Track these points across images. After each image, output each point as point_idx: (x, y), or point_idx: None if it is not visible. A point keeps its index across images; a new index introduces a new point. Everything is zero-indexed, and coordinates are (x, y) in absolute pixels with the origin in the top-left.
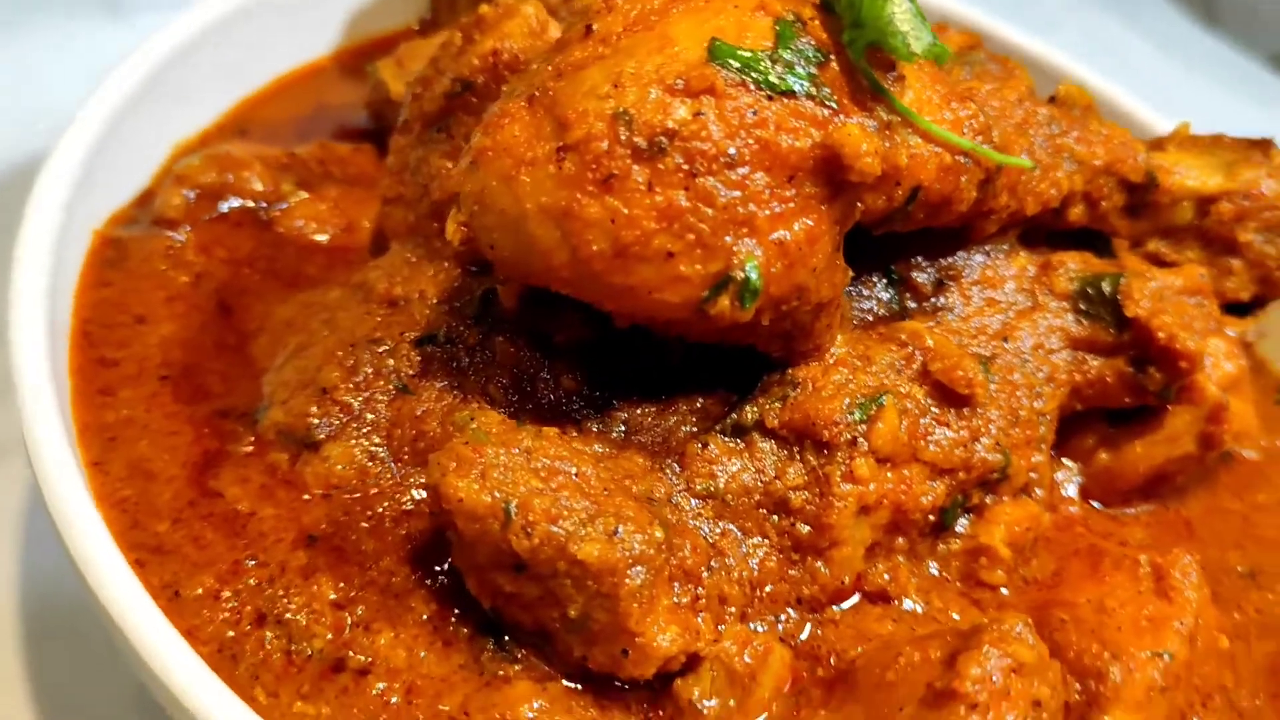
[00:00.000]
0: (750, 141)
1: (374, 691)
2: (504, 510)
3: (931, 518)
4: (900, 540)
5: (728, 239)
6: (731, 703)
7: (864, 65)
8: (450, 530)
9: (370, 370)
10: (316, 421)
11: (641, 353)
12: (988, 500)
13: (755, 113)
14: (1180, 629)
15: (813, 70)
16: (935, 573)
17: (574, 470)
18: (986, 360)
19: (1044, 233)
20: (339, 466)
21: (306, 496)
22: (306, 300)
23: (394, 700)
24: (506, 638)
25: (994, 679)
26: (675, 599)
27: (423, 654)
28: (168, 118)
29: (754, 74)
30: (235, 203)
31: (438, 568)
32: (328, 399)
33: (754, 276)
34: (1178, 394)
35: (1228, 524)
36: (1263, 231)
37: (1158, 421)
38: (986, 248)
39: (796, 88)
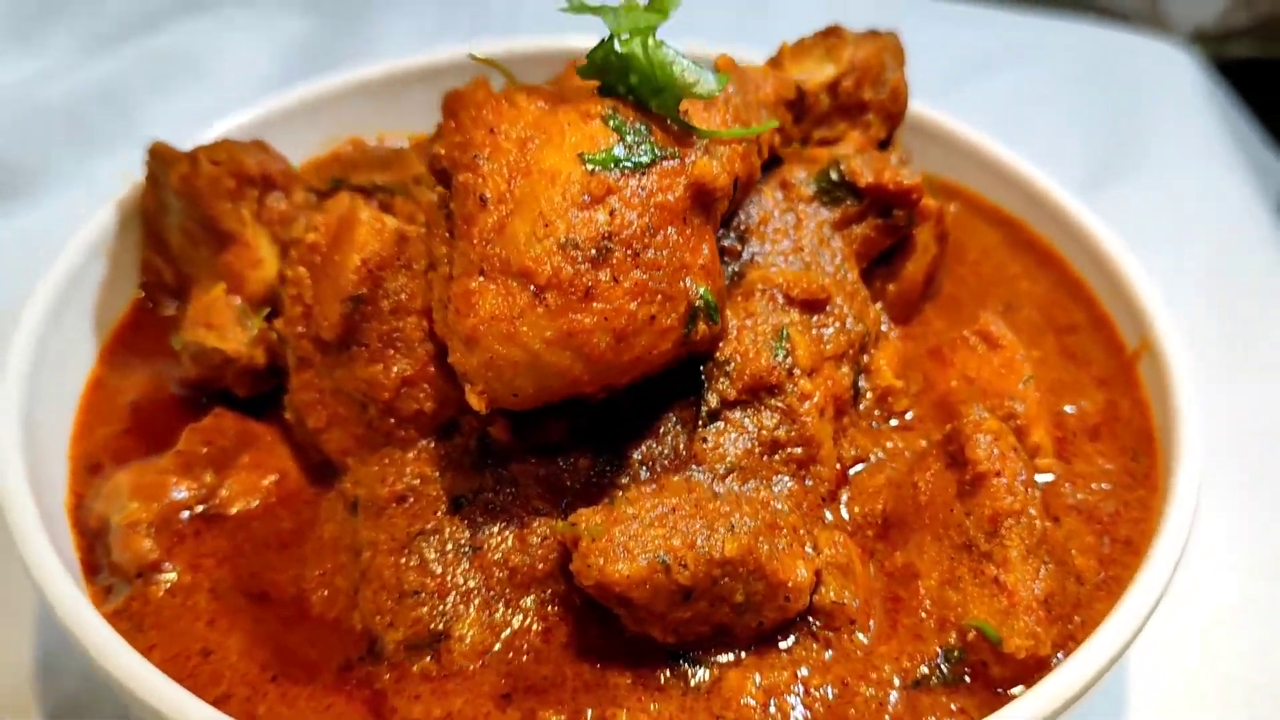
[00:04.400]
0: (654, 211)
1: None
2: (661, 563)
3: (851, 393)
4: (845, 419)
5: (679, 283)
6: (849, 591)
7: (675, 116)
8: (619, 608)
9: (434, 554)
10: (428, 620)
11: (607, 412)
12: (866, 359)
13: (644, 188)
14: (1021, 359)
15: (651, 140)
16: (875, 426)
17: (668, 507)
18: (807, 267)
19: None
20: (473, 639)
21: (472, 668)
22: (314, 549)
23: None
24: (691, 654)
25: (991, 447)
26: (780, 546)
27: (653, 706)
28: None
29: (624, 164)
30: (184, 515)
31: (604, 641)
32: (421, 598)
33: (709, 298)
34: (918, 209)
35: (969, 284)
36: (873, 86)
37: (910, 245)
38: (749, 199)
39: (651, 158)
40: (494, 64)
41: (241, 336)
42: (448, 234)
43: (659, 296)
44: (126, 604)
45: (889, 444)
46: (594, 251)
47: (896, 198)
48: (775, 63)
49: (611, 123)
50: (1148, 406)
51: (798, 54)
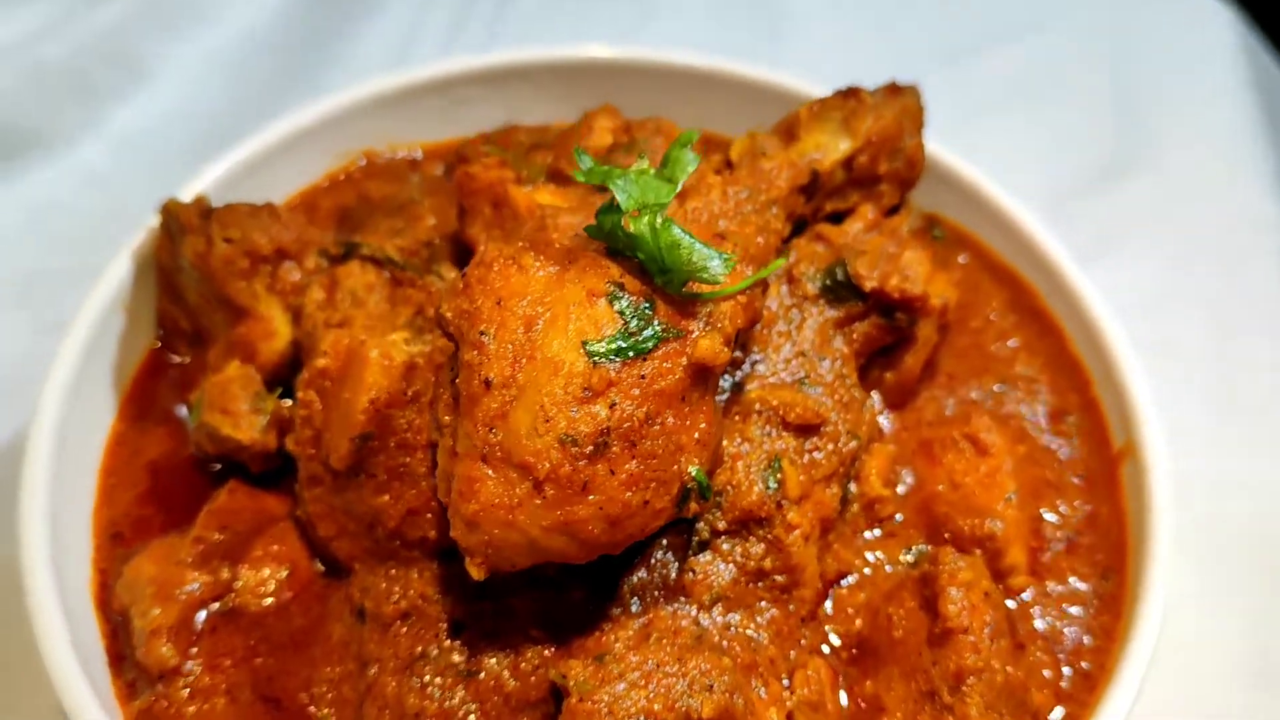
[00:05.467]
0: (653, 399)
1: None
2: None
3: (839, 509)
4: (830, 535)
5: (673, 468)
6: None
7: (683, 292)
8: None
9: (434, 680)
10: None
11: None
12: (854, 468)
13: (644, 376)
14: (1007, 470)
15: (654, 318)
16: (860, 539)
17: (655, 665)
18: (805, 378)
19: None
20: None
21: None
22: (324, 653)
23: None
24: None
25: (964, 602)
26: (757, 692)
27: None
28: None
29: (627, 352)
30: (202, 614)
31: None
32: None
33: (701, 478)
34: (922, 314)
35: (971, 360)
36: (887, 157)
37: (911, 337)
38: None
39: (654, 340)
40: (497, 149)
41: (256, 423)
42: (452, 400)
43: (653, 484)
44: (150, 705)
45: (872, 556)
46: (591, 447)
47: (901, 305)
48: (790, 130)
49: (616, 305)
50: (1125, 516)
51: (813, 122)
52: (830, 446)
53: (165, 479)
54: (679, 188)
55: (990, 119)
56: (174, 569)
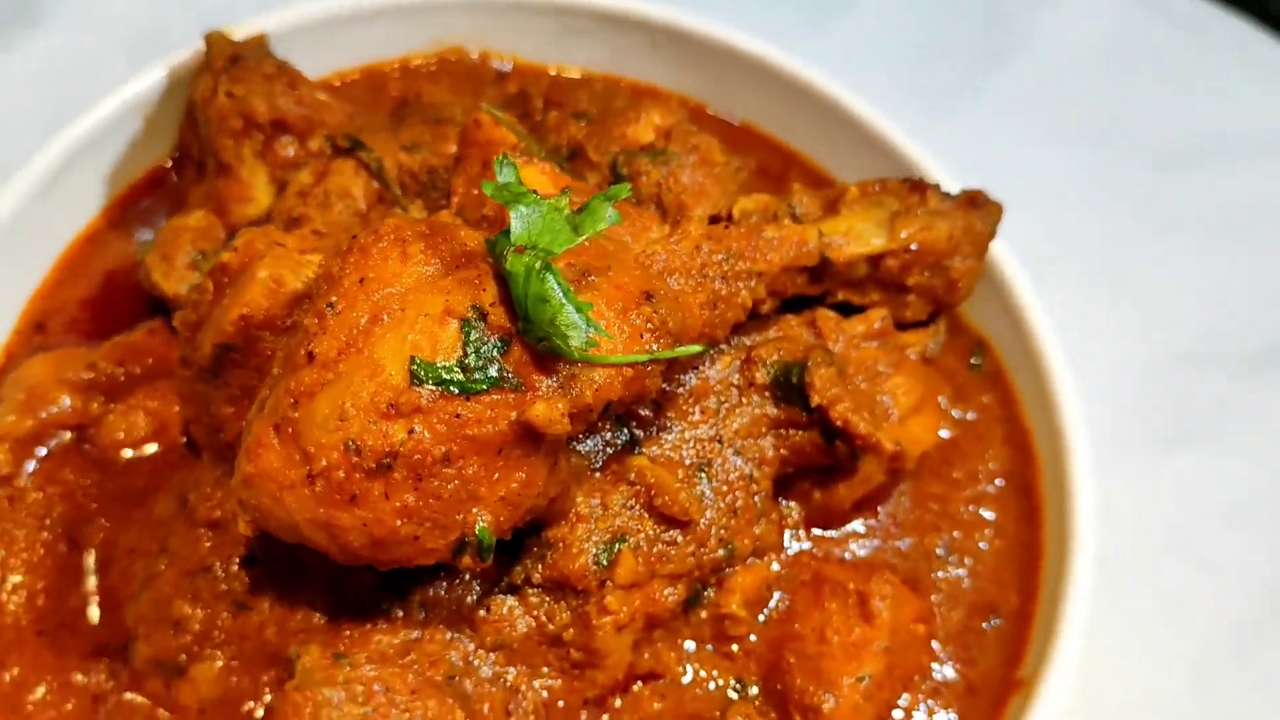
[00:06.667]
0: (459, 441)
1: None
2: None
3: (678, 610)
4: (657, 630)
5: (458, 516)
6: None
7: (542, 347)
8: None
9: (210, 596)
10: (177, 651)
11: None
12: (725, 573)
13: (458, 416)
14: (878, 648)
15: (497, 363)
16: (691, 646)
17: (385, 688)
18: (706, 466)
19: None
20: (205, 686)
21: (193, 709)
22: (143, 519)
23: None
24: None
25: None
26: None
27: None
28: None
29: (452, 384)
30: (54, 440)
31: None
32: (182, 629)
33: (485, 538)
34: (864, 452)
35: (928, 510)
36: (925, 271)
37: (851, 469)
38: (704, 361)
39: (486, 384)
40: (502, 118)
41: (187, 279)
42: (284, 357)
43: (429, 523)
44: None
45: (696, 669)
46: (373, 464)
47: (844, 436)
48: (833, 203)
49: (466, 333)
50: None
51: (859, 204)
52: (691, 548)
53: (114, 293)
54: (580, 240)
55: None
56: (55, 385)
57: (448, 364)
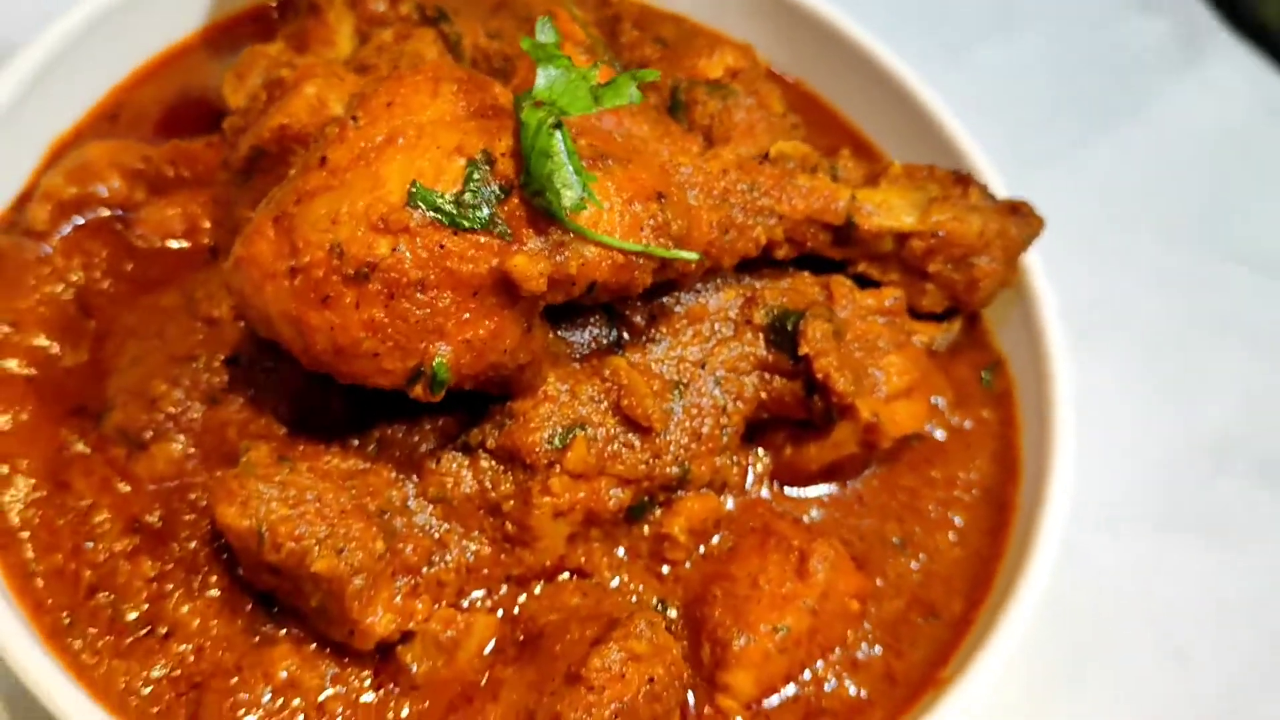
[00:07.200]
0: (437, 270)
1: (174, 651)
2: (258, 534)
3: (620, 514)
4: (595, 530)
5: (421, 344)
6: (439, 663)
7: (537, 202)
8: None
9: (188, 383)
10: (145, 426)
11: None
12: (676, 495)
13: (442, 246)
14: (804, 606)
15: (492, 208)
16: (623, 554)
17: (316, 497)
18: (682, 386)
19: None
20: (161, 464)
21: (134, 489)
22: (149, 305)
23: (190, 659)
24: (277, 609)
25: (613, 669)
26: (395, 590)
27: (213, 621)
28: (45, 114)
29: (442, 215)
30: (93, 213)
31: (227, 554)
32: (155, 407)
33: (440, 373)
34: (839, 414)
35: (896, 499)
36: (948, 263)
37: (828, 428)
38: (706, 285)
39: (476, 224)
40: (578, 16)
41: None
42: (301, 160)
43: (390, 343)
44: (4, 246)
45: (624, 579)
46: (352, 271)
47: (821, 387)
48: (874, 175)
49: (471, 171)
50: None
51: (900, 181)
52: (646, 456)
53: (189, 104)
54: (597, 109)
55: None
56: (108, 166)
57: (445, 195)
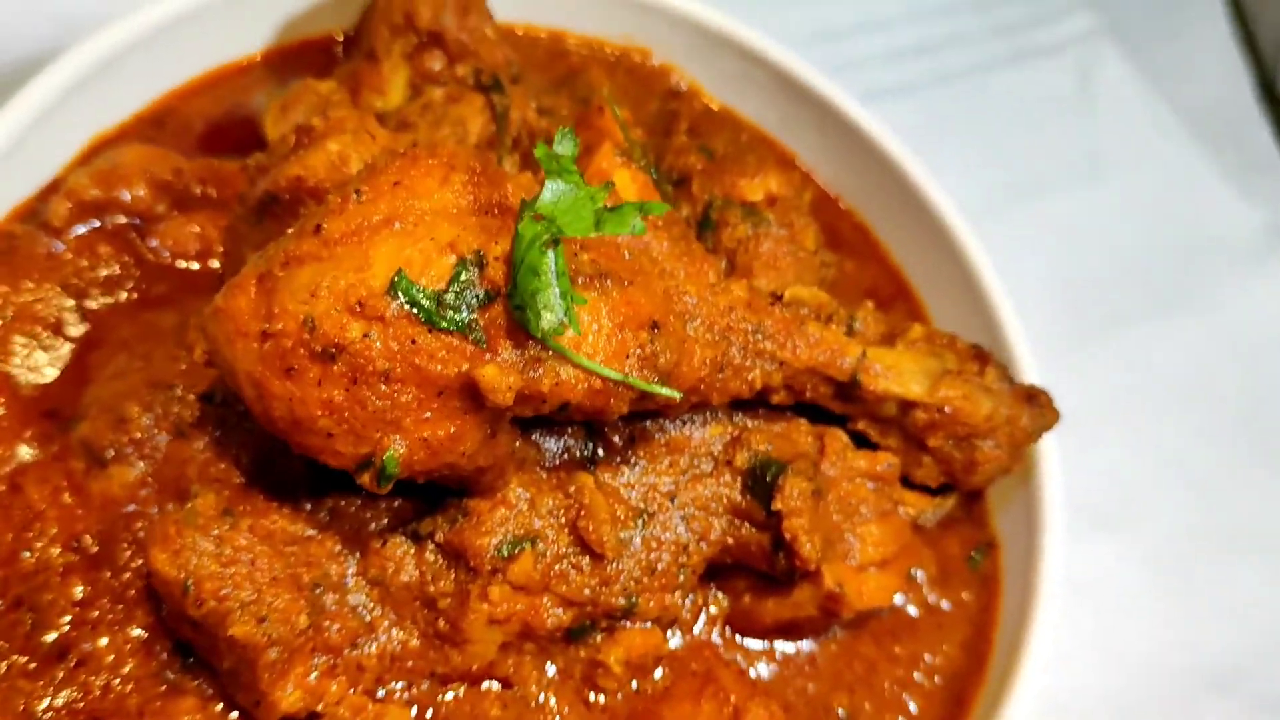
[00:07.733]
0: (404, 364)
1: (81, 681)
2: (184, 585)
3: (559, 634)
4: (530, 643)
5: (375, 434)
6: None
7: (517, 315)
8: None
9: (160, 411)
10: (110, 444)
11: None
12: (620, 624)
13: (414, 342)
14: None
15: (473, 312)
16: (554, 673)
17: (251, 560)
18: (647, 516)
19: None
20: (116, 486)
21: (83, 506)
22: (146, 321)
23: (94, 694)
24: (192, 660)
25: None
26: (311, 668)
27: (129, 661)
28: (93, 109)
29: (420, 310)
30: (111, 218)
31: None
32: (122, 428)
33: (390, 467)
34: (801, 577)
35: (851, 668)
36: (950, 440)
37: (790, 585)
38: (692, 417)
39: (452, 326)
40: (619, 115)
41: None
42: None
43: (344, 427)
44: (19, 235)
45: (548, 698)
46: (319, 348)
47: (786, 548)
48: (892, 335)
49: (459, 272)
50: None
51: (916, 345)
52: (594, 582)
53: (234, 123)
54: (594, 233)
55: None
56: (138, 173)
57: (427, 290)
